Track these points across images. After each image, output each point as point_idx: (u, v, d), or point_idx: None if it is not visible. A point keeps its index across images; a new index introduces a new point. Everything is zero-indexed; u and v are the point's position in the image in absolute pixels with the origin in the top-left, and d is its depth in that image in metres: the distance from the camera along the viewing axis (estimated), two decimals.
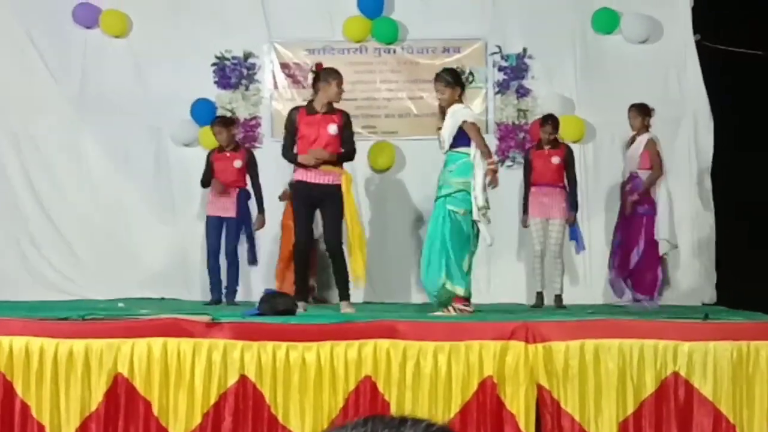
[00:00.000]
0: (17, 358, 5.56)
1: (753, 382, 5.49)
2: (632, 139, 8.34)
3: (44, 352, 5.55)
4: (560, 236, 8.47)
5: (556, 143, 8.56)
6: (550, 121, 8.54)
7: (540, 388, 5.52)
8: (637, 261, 8.16)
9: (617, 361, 5.52)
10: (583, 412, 5.50)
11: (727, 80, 8.94)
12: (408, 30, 9.58)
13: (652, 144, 8.21)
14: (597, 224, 9.29)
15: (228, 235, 8.48)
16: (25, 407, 5.56)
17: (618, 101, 8.79)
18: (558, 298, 8.43)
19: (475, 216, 6.72)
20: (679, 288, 9.07)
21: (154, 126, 9.44)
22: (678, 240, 8.51)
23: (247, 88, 9.57)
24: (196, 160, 8.95)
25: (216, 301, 8.41)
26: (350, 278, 7.35)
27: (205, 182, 8.59)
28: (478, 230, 6.86)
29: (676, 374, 5.52)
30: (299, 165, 7.21)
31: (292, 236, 7.59)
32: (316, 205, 7.27)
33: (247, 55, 9.56)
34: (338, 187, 7.17)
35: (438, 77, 7.05)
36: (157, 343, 5.55)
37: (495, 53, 9.50)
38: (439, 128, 7.08)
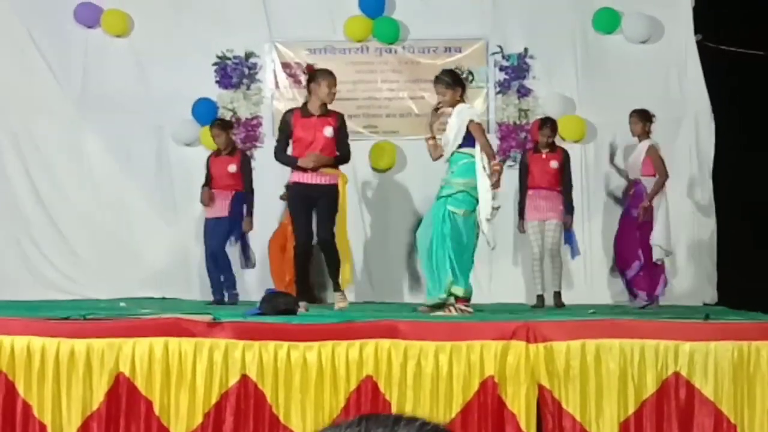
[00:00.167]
0: (19, 357, 5.57)
1: (754, 383, 5.50)
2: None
3: (46, 351, 5.55)
4: (558, 236, 8.46)
5: (553, 147, 8.55)
6: (548, 124, 8.53)
7: (541, 388, 5.52)
8: (639, 264, 8.22)
9: (618, 361, 5.52)
10: (584, 412, 5.51)
11: (728, 80, 8.94)
12: (409, 30, 9.57)
13: (653, 150, 8.24)
14: (597, 225, 9.30)
15: (218, 234, 8.49)
16: (26, 407, 5.57)
17: (619, 101, 8.80)
18: (557, 294, 8.42)
19: (488, 216, 6.74)
20: (680, 288, 9.07)
21: (155, 125, 9.44)
22: (679, 240, 8.54)
23: (248, 88, 9.57)
24: (198, 159, 8.96)
25: (218, 301, 8.43)
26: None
27: (206, 186, 8.64)
28: (477, 231, 6.88)
29: (677, 374, 5.52)
30: (295, 168, 7.21)
31: (287, 232, 7.64)
32: (313, 205, 7.29)
33: (249, 55, 9.56)
34: (334, 186, 7.20)
35: (437, 80, 7.06)
36: (158, 342, 5.56)
37: (496, 53, 9.50)
38: (431, 137, 7.09)
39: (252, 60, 9.57)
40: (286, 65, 9.59)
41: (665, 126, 8.75)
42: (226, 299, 8.47)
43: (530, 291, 8.86)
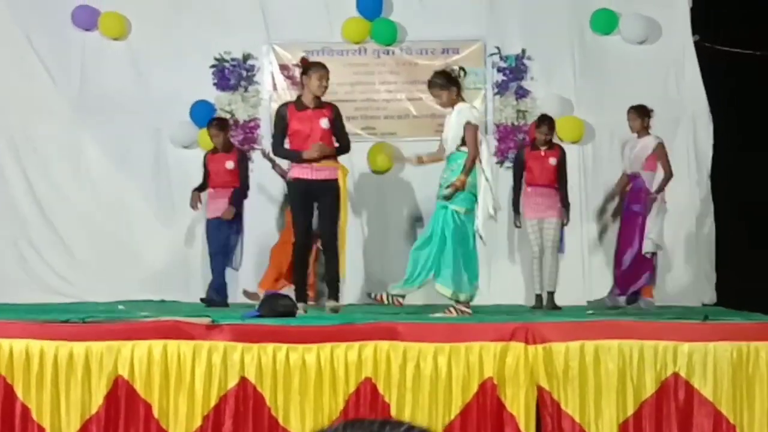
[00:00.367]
0: (17, 360, 5.56)
1: (753, 383, 5.50)
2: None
3: (44, 354, 5.55)
4: (557, 234, 8.46)
5: (551, 144, 8.56)
6: (546, 121, 8.54)
7: (540, 389, 5.52)
8: (631, 259, 8.22)
9: (617, 362, 5.52)
10: (583, 413, 5.51)
11: (726, 81, 8.95)
12: (407, 31, 9.57)
13: (661, 148, 8.27)
14: (594, 226, 9.30)
15: (221, 233, 8.49)
16: (25, 410, 5.56)
17: (617, 102, 8.81)
18: (550, 295, 8.41)
19: (491, 213, 6.76)
20: (678, 289, 9.07)
21: (153, 127, 9.44)
22: (677, 240, 8.53)
23: (246, 90, 9.57)
24: (196, 161, 8.95)
25: (221, 302, 8.41)
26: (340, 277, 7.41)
27: (202, 186, 8.64)
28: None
29: (676, 375, 5.53)
30: (297, 161, 7.21)
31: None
32: (314, 201, 7.29)
33: (246, 57, 9.56)
34: (335, 181, 7.21)
35: (431, 84, 7.03)
36: (157, 345, 5.56)
37: (494, 54, 9.50)
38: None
39: (250, 62, 9.57)
40: (283, 67, 9.59)
41: (663, 126, 8.75)
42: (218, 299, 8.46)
43: (529, 291, 8.86)
